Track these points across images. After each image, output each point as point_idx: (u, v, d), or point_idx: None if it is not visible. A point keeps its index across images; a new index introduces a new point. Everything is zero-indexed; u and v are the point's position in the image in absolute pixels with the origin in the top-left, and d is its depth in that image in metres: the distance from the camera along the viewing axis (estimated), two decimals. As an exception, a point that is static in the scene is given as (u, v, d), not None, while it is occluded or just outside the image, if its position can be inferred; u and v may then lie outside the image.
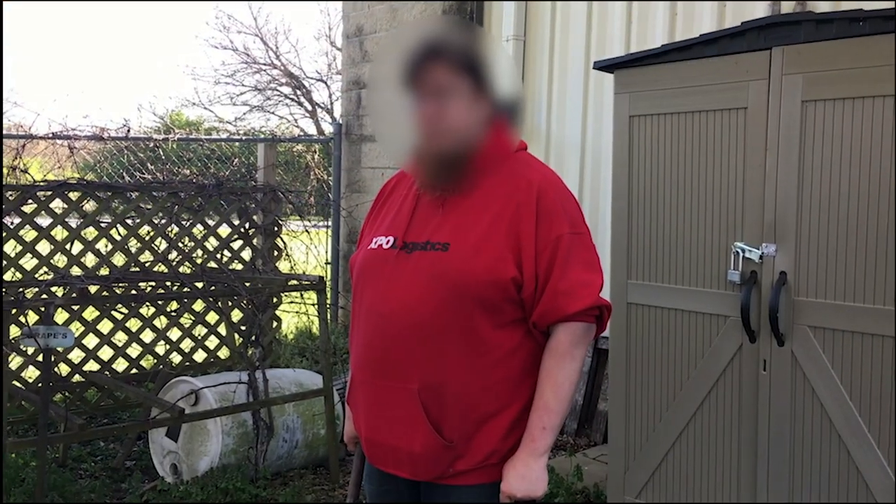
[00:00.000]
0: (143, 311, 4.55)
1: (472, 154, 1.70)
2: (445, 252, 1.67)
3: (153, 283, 3.93)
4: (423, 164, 1.73)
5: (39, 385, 3.61)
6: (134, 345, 4.61)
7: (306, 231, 5.07)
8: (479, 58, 1.69)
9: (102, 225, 4.24)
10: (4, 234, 3.97)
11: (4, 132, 5.17)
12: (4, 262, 4.01)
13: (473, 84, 1.68)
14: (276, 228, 4.69)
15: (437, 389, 1.67)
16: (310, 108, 18.07)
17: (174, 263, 4.32)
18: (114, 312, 4.43)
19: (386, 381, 1.71)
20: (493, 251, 1.66)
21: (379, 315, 1.71)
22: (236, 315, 4.72)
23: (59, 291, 3.68)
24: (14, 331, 3.43)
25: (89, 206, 4.19)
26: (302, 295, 4.73)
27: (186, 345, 4.79)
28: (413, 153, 1.75)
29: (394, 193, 1.89)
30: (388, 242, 1.75)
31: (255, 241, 4.72)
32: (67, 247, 4.17)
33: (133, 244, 4.35)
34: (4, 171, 4.07)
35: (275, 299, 4.62)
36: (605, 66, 3.06)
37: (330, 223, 6.60)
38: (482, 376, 1.68)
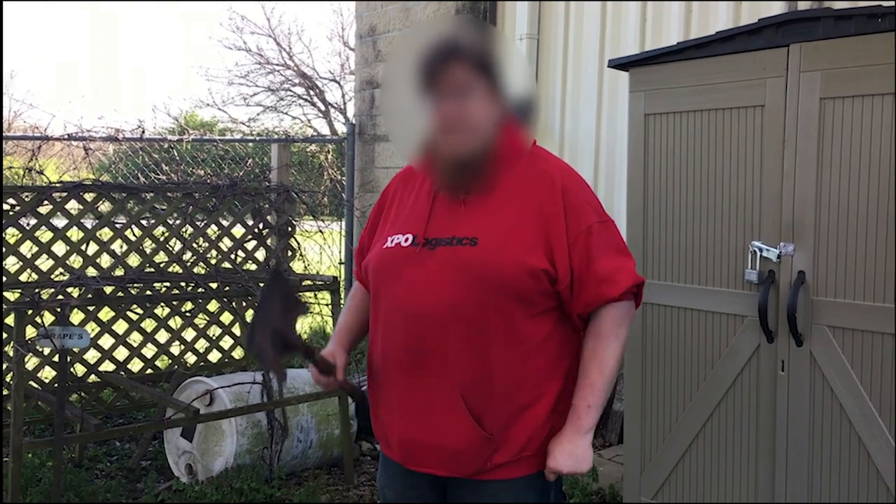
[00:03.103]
0: (158, 311, 4.56)
1: (490, 153, 1.70)
2: (475, 247, 1.67)
3: (168, 284, 3.94)
4: (442, 165, 1.72)
5: (55, 385, 3.63)
6: (149, 345, 4.63)
7: (320, 231, 5.07)
8: (495, 58, 1.69)
9: (117, 226, 4.25)
10: (20, 234, 3.99)
11: (21, 133, 5.20)
12: (20, 263, 4.03)
13: (490, 84, 1.68)
14: (289, 228, 4.68)
15: (476, 383, 1.68)
16: (323, 108, 18.10)
17: (189, 264, 4.33)
18: (129, 313, 4.45)
19: (423, 379, 1.70)
20: (522, 244, 1.67)
21: (407, 313, 1.70)
22: (250, 315, 4.72)
23: (75, 292, 3.69)
24: (30, 331, 3.44)
25: (104, 206, 4.20)
26: (316, 295, 4.73)
27: (201, 345, 4.80)
28: (429, 153, 1.73)
29: (401, 193, 1.87)
30: (406, 240, 1.74)
31: (268, 242, 4.72)
32: (83, 247, 4.18)
33: (148, 245, 4.36)
34: (21, 172, 4.09)
35: (289, 299, 4.61)
36: (620, 65, 3.03)
37: (343, 223, 6.61)
38: (519, 367, 1.70)
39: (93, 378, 4.39)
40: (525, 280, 1.66)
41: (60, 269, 4.14)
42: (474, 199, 1.72)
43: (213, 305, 4.73)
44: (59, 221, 4.13)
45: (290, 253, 4.70)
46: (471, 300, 1.66)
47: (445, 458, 1.73)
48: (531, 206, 1.70)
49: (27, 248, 4.07)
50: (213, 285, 3.89)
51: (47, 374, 4.40)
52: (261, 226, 4.65)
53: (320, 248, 5.19)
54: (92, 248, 4.23)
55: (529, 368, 1.71)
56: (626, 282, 1.71)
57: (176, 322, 4.65)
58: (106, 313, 4.51)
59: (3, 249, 3.84)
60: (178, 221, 4.35)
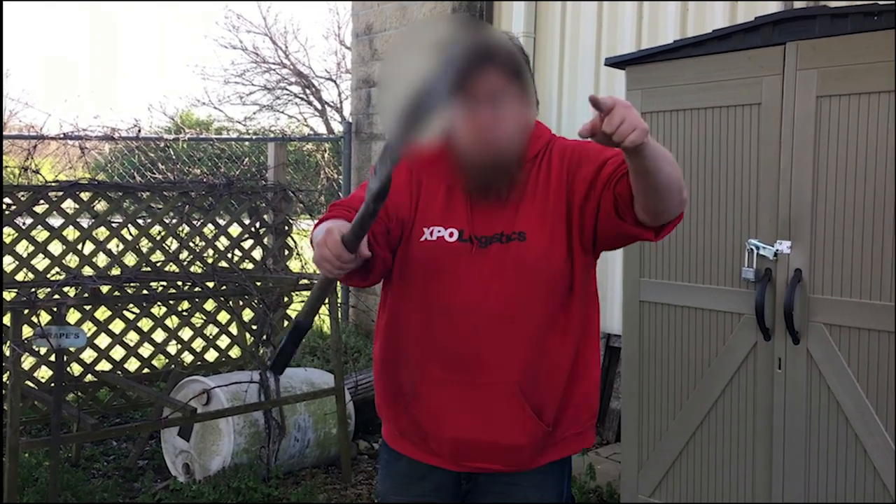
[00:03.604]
0: (155, 310, 4.55)
1: (520, 160, 1.68)
2: (524, 242, 1.67)
3: (164, 283, 3.93)
4: (472, 170, 1.67)
5: (52, 385, 3.62)
6: (146, 344, 4.62)
7: (317, 230, 5.05)
8: (524, 63, 1.67)
9: (114, 225, 4.25)
10: (17, 234, 3.99)
11: (17, 133, 5.19)
12: (16, 263, 4.02)
13: (522, 89, 1.64)
14: (286, 227, 4.68)
15: (534, 377, 1.68)
16: (319, 107, 18.07)
17: (185, 263, 4.32)
18: (125, 312, 4.44)
19: (480, 377, 1.68)
20: (561, 231, 1.68)
21: (463, 311, 1.67)
22: (247, 314, 4.72)
23: (71, 291, 3.69)
24: (27, 331, 3.44)
25: (100, 206, 4.19)
26: (313, 294, 4.72)
27: (198, 344, 4.80)
28: (453, 156, 1.67)
29: (422, 182, 1.76)
30: (451, 235, 1.70)
31: (265, 241, 4.72)
32: (79, 247, 4.17)
33: (144, 244, 4.35)
34: (17, 171, 4.08)
35: (286, 298, 4.62)
36: (617, 63, 3.04)
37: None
38: (570, 354, 1.72)
39: (89, 377, 4.38)
40: (570, 267, 1.68)
41: (57, 269, 4.13)
42: (509, 198, 1.70)
43: (209, 304, 4.73)
44: (56, 221, 4.12)
45: (286, 252, 4.70)
46: (529, 296, 1.66)
47: (502, 454, 1.72)
48: (555, 187, 1.69)
49: (23, 248, 4.06)
50: (210, 284, 3.88)
51: (44, 373, 4.39)
52: (257, 225, 4.65)
53: (317, 247, 5.18)
54: (88, 248, 4.23)
55: (578, 353, 1.73)
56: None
57: (173, 321, 4.64)
58: (102, 313, 4.50)
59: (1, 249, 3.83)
60: (174, 220, 4.34)
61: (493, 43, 1.64)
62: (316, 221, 1.78)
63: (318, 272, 4.43)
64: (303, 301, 5.22)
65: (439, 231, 1.70)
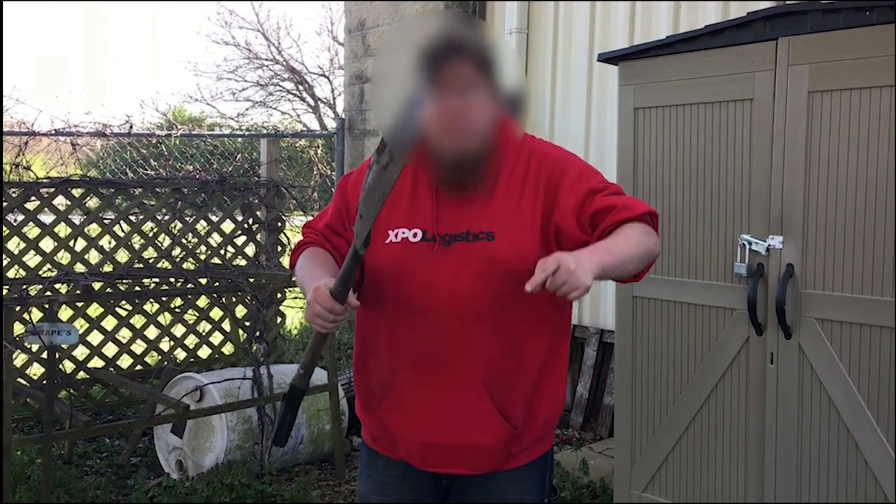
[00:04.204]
0: (147, 307, 4.55)
1: (489, 150, 1.68)
2: (492, 241, 1.66)
3: (157, 280, 3.92)
4: (441, 161, 1.67)
5: (44, 382, 3.61)
6: (138, 341, 4.61)
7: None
8: (495, 55, 1.67)
9: (106, 221, 4.23)
10: (7, 231, 3.97)
11: (7, 129, 5.16)
12: (8, 260, 4.00)
13: (491, 81, 1.65)
14: (279, 224, 4.68)
15: (500, 378, 1.68)
16: (312, 103, 18.03)
17: (178, 260, 4.31)
18: (118, 309, 4.43)
19: (445, 377, 1.68)
20: (533, 233, 1.67)
21: (426, 311, 1.67)
22: (240, 311, 4.71)
23: (63, 288, 3.68)
24: (18, 328, 3.42)
25: (92, 202, 4.18)
26: (306, 290, 4.72)
27: (191, 341, 4.79)
28: (424, 148, 1.68)
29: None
30: (415, 235, 1.69)
31: (258, 237, 4.72)
32: (71, 244, 4.16)
33: (136, 241, 4.34)
34: (8, 168, 4.06)
35: (279, 295, 4.62)
36: (610, 58, 3.04)
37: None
38: (537, 355, 1.71)
39: (82, 375, 4.37)
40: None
41: (48, 266, 4.12)
42: (478, 192, 1.70)
43: (202, 301, 4.72)
44: (47, 217, 4.11)
45: (279, 248, 4.69)
46: (493, 295, 1.65)
47: (469, 456, 1.71)
48: (531, 194, 1.69)
49: (14, 245, 4.04)
50: (203, 281, 3.87)
51: (36, 370, 4.38)
52: (250, 221, 4.64)
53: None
54: (80, 244, 4.22)
55: (545, 354, 1.73)
56: (642, 207, 1.65)
57: (165, 318, 4.63)
58: (94, 309, 4.49)
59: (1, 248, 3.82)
60: (167, 217, 4.33)
61: (465, 35, 1.65)
62: (293, 249, 1.86)
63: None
64: (296, 297, 5.22)
65: (404, 233, 1.71)
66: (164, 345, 4.71)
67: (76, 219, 4.20)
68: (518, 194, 1.69)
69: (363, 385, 1.81)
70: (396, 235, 1.71)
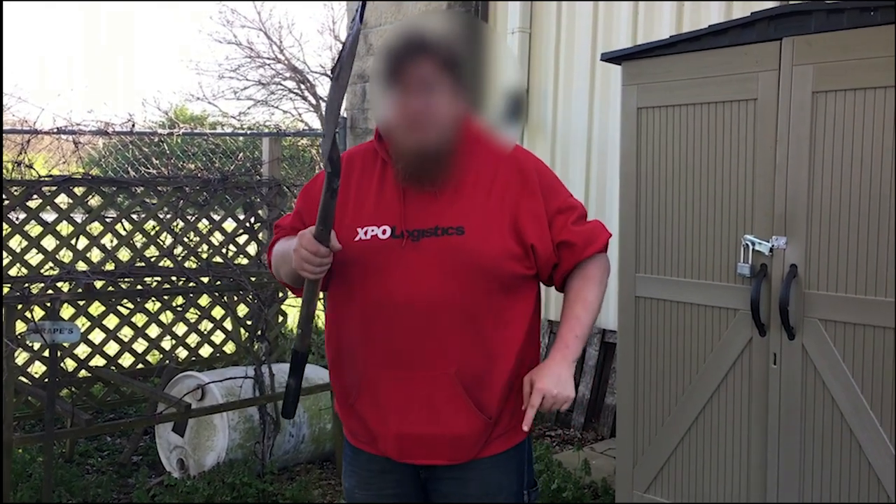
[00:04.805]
0: (149, 306, 4.55)
1: (451, 148, 1.72)
2: (462, 236, 1.69)
3: (159, 278, 3.92)
4: (403, 158, 1.72)
5: (46, 381, 3.61)
6: (140, 340, 4.61)
7: (312, 225, 5.05)
8: (461, 55, 1.71)
9: (107, 220, 4.23)
10: (10, 229, 3.97)
11: (9, 128, 5.16)
12: (9, 258, 4.00)
13: (455, 81, 1.69)
14: (281, 223, 4.67)
15: (472, 369, 1.71)
16: (314, 102, 18.03)
17: (179, 258, 4.31)
18: (119, 307, 4.43)
19: (417, 371, 1.71)
20: (501, 229, 1.72)
21: (396, 307, 1.69)
22: (242, 310, 4.71)
23: (65, 287, 3.67)
24: (20, 326, 3.42)
25: (94, 201, 4.18)
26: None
27: (192, 340, 4.79)
28: (389, 145, 1.75)
29: (347, 182, 1.80)
30: (383, 232, 1.72)
31: (260, 236, 4.71)
32: (73, 242, 4.16)
33: (138, 239, 4.34)
34: (10, 166, 4.06)
35: (280, 294, 4.61)
36: (613, 58, 3.03)
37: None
38: (509, 346, 1.74)
39: (83, 373, 4.37)
40: (511, 263, 1.72)
41: (50, 264, 4.11)
42: (447, 188, 1.73)
43: (204, 300, 4.72)
44: (49, 216, 4.11)
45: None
46: (463, 288, 1.69)
47: (445, 447, 1.74)
48: (500, 191, 1.74)
49: (16, 243, 4.04)
50: (205, 280, 3.87)
51: (37, 369, 4.38)
52: (252, 220, 4.64)
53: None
54: (82, 243, 4.22)
55: (517, 345, 1.76)
56: (603, 238, 1.83)
57: (167, 317, 4.63)
58: (96, 308, 4.49)
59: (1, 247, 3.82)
60: (168, 216, 4.33)
61: (428, 35, 1.70)
62: (268, 246, 1.93)
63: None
64: (297, 296, 5.21)
65: (373, 230, 1.73)
66: (166, 343, 4.71)
67: (78, 217, 4.20)
68: (489, 192, 1.73)
69: (339, 381, 1.85)
70: (366, 233, 1.74)
